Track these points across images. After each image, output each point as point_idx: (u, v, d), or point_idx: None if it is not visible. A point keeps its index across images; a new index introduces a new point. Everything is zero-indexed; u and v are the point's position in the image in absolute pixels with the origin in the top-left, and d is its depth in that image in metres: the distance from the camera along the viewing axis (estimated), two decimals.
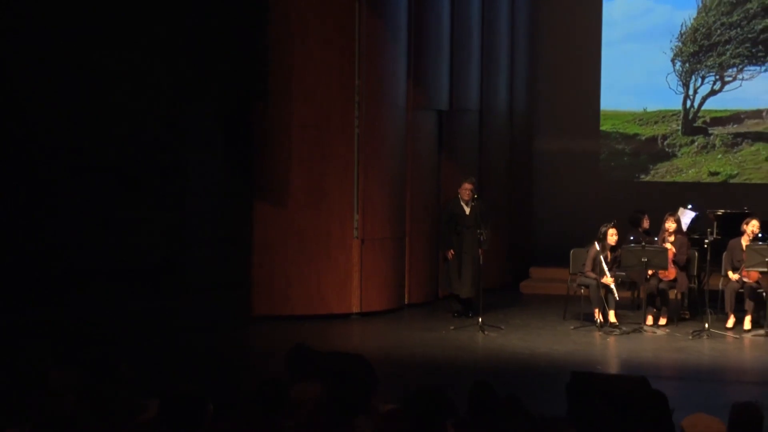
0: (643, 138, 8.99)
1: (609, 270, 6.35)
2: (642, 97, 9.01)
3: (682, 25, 8.83)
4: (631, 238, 6.67)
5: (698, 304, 6.69)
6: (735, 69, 8.69)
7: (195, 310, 6.12)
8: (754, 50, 8.64)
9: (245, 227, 6.68)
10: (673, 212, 6.80)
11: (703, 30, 8.76)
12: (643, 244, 6.39)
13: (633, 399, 2.85)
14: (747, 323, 6.28)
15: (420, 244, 7.37)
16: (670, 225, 6.54)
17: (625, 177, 8.98)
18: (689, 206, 7.33)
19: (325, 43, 6.66)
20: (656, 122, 8.99)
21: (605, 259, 6.37)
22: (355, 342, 6.23)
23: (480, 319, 6.29)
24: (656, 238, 6.68)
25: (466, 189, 6.71)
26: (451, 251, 6.73)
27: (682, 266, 6.58)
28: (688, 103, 8.87)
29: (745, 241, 6.35)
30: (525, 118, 8.73)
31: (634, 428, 2.73)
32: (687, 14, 8.82)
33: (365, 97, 6.82)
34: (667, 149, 8.94)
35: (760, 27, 8.62)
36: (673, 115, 8.93)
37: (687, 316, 6.74)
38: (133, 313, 5.61)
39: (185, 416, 2.42)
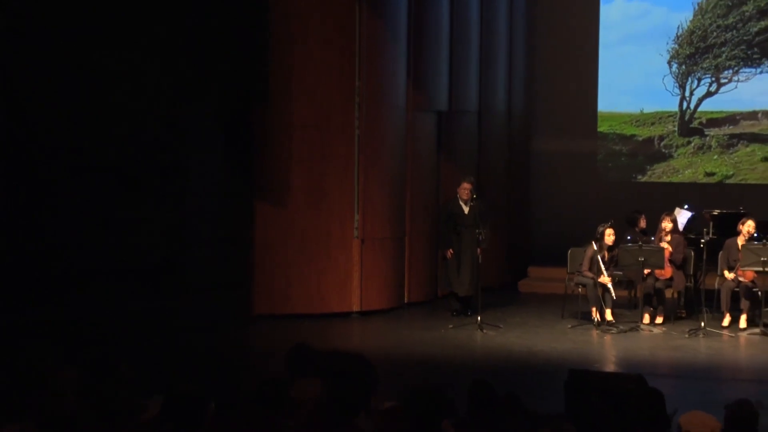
0: (640, 139, 9.00)
1: (606, 269, 6.36)
2: (639, 98, 9.02)
3: (678, 28, 8.85)
4: (628, 237, 6.68)
5: (694, 303, 6.70)
6: (731, 71, 8.70)
7: (195, 310, 6.11)
8: (749, 52, 8.65)
9: (245, 227, 6.67)
10: (670, 212, 6.81)
11: (700, 32, 8.77)
12: (640, 243, 6.40)
13: (630, 396, 2.86)
14: (743, 322, 6.29)
15: (420, 243, 7.37)
16: (667, 225, 6.55)
17: (622, 177, 8.99)
18: (685, 206, 7.34)
19: (325, 43, 6.66)
20: (653, 123, 9.00)
21: (602, 258, 6.38)
22: (355, 341, 6.23)
23: (479, 318, 6.29)
24: (653, 238, 6.69)
25: (465, 188, 6.71)
26: (450, 250, 6.73)
27: (679, 265, 6.59)
28: (685, 104, 8.88)
29: (740, 241, 6.36)
30: (523, 119, 8.73)
31: (631, 425, 2.73)
32: (683, 17, 8.84)
33: (365, 98, 6.82)
34: (663, 150, 8.95)
35: (755, 29, 8.63)
36: (669, 116, 8.95)
37: (683, 315, 6.75)
38: (133, 312, 5.60)
39: (186, 415, 2.42)
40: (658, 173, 8.94)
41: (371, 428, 2.60)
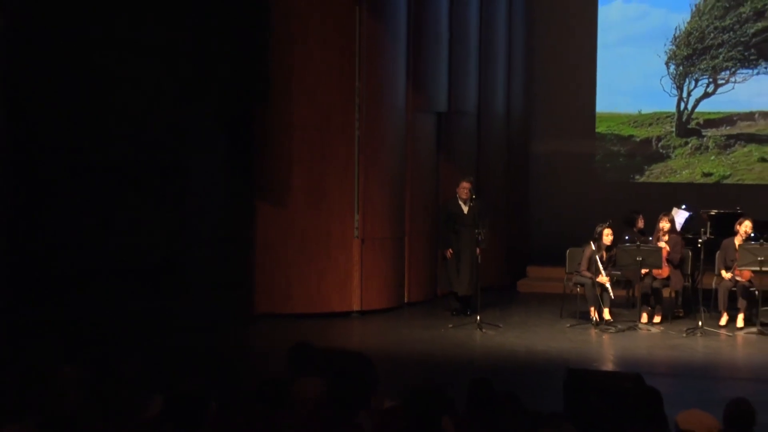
0: (638, 140, 9.01)
1: (604, 269, 6.36)
2: (637, 99, 9.03)
3: (676, 29, 8.86)
4: (626, 237, 6.69)
5: (692, 303, 6.70)
6: (728, 72, 8.71)
7: (196, 310, 6.10)
8: (746, 54, 8.67)
9: (246, 227, 6.66)
10: (667, 212, 6.82)
11: (697, 34, 8.79)
12: (638, 243, 6.41)
13: (628, 395, 2.86)
14: (740, 321, 6.30)
15: (419, 243, 7.37)
16: (665, 225, 6.56)
17: (620, 178, 9.00)
18: (683, 206, 7.35)
19: (325, 44, 6.67)
20: (651, 124, 9.01)
21: (601, 258, 6.38)
22: (355, 340, 6.23)
23: (478, 317, 6.30)
24: (651, 238, 6.70)
25: (464, 188, 6.72)
26: (450, 250, 6.73)
27: (676, 265, 6.60)
28: (682, 105, 8.90)
29: (738, 241, 6.37)
30: (522, 120, 8.74)
31: (628, 424, 2.73)
32: (681, 18, 8.85)
33: (365, 99, 6.83)
34: (661, 151, 8.96)
35: (752, 31, 8.64)
36: (667, 117, 8.96)
37: (681, 314, 6.76)
38: (134, 312, 5.59)
39: (188, 414, 2.42)
40: (656, 173, 8.95)
41: (371, 427, 2.60)
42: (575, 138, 8.91)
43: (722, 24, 8.70)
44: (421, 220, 7.38)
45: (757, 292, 6.22)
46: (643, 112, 9.03)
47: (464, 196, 6.72)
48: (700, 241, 6.34)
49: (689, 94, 8.85)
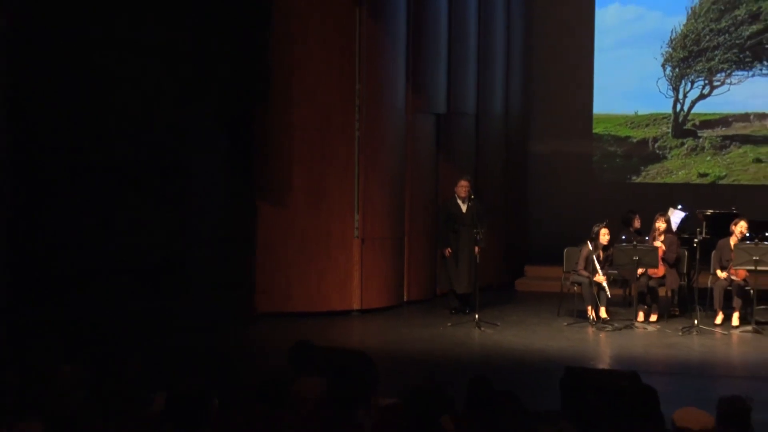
0: (635, 140, 9.02)
1: (601, 268, 6.37)
2: (633, 100, 9.04)
3: (672, 32, 8.87)
4: (623, 237, 6.70)
5: (688, 302, 6.71)
6: (723, 74, 8.72)
7: (198, 309, 6.10)
8: (741, 56, 8.67)
9: (247, 227, 6.65)
10: (663, 212, 6.82)
11: (693, 36, 8.80)
12: (635, 243, 6.42)
13: (624, 393, 2.86)
14: (735, 320, 6.30)
15: (419, 243, 7.38)
16: (661, 225, 6.57)
17: (617, 178, 9.01)
18: (679, 206, 7.35)
19: (325, 44, 6.66)
20: (647, 125, 9.02)
21: (598, 257, 6.39)
22: (355, 338, 6.23)
23: (476, 316, 6.30)
24: (647, 238, 6.70)
25: (462, 186, 6.72)
26: (449, 249, 6.74)
27: (672, 264, 6.60)
28: (678, 106, 8.90)
29: (733, 241, 6.37)
30: (520, 121, 8.75)
31: (625, 422, 2.74)
32: (677, 21, 8.86)
33: (365, 100, 6.83)
34: (657, 151, 8.97)
35: (747, 33, 8.65)
36: (663, 118, 8.96)
37: (677, 313, 6.76)
38: (136, 312, 5.59)
39: (191, 411, 2.42)
40: (653, 174, 8.96)
41: (371, 424, 2.61)
42: (573, 139, 8.92)
43: (718, 26, 8.71)
44: (420, 220, 7.38)
45: (752, 291, 6.22)
46: (639, 113, 9.04)
47: (463, 195, 6.72)
48: (696, 240, 6.35)
49: (685, 96, 8.86)
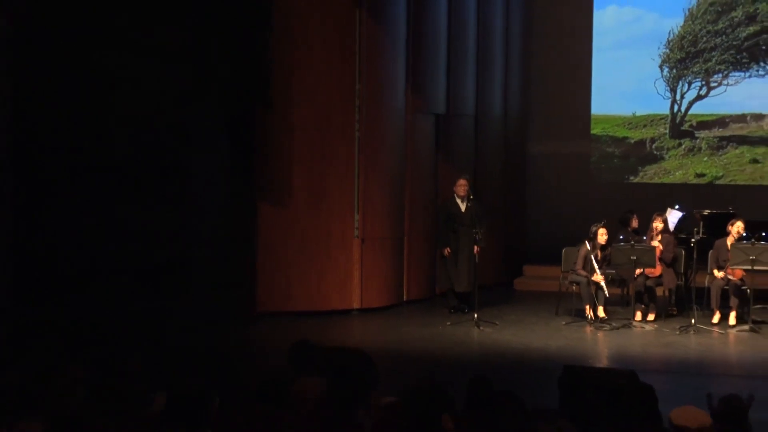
0: (633, 141, 9.02)
1: (599, 268, 6.37)
2: (631, 101, 9.04)
3: (669, 33, 8.86)
4: (621, 237, 6.69)
5: (685, 301, 6.71)
6: (720, 75, 8.72)
7: (199, 309, 6.10)
8: (738, 57, 8.67)
9: (247, 227, 6.65)
10: (661, 212, 6.82)
11: (690, 37, 8.79)
12: (632, 243, 6.41)
13: (622, 392, 2.86)
14: (732, 319, 6.30)
15: (418, 243, 7.37)
16: (658, 225, 6.57)
17: (615, 179, 9.00)
18: (677, 206, 7.35)
19: (325, 45, 6.66)
20: (645, 126, 9.01)
21: (596, 257, 6.39)
22: (355, 337, 6.22)
23: (476, 315, 6.30)
24: (645, 237, 6.70)
25: (461, 185, 6.72)
26: (447, 249, 6.73)
27: (669, 264, 6.60)
28: (676, 107, 8.90)
29: (730, 241, 6.37)
30: (519, 122, 8.74)
31: (623, 420, 2.73)
32: (674, 22, 8.85)
33: (365, 100, 6.82)
34: (655, 152, 8.96)
35: (744, 35, 8.65)
36: (661, 119, 8.96)
37: (674, 312, 6.76)
38: (138, 311, 5.58)
39: (191, 411, 2.42)
40: (650, 174, 8.96)
41: (371, 424, 2.60)
42: (571, 139, 8.91)
43: (715, 28, 8.71)
44: (420, 220, 7.37)
45: (748, 291, 6.22)
46: (637, 114, 9.03)
47: (462, 193, 6.72)
48: (693, 240, 6.35)
49: (682, 97, 8.86)
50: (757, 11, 8.63)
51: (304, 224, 6.69)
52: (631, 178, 9.00)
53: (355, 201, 6.83)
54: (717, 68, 8.71)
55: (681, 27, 8.82)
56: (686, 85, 8.84)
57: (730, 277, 6.33)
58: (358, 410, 2.60)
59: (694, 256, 6.34)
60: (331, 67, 6.68)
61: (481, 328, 6.21)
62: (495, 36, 8.28)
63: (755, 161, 8.71)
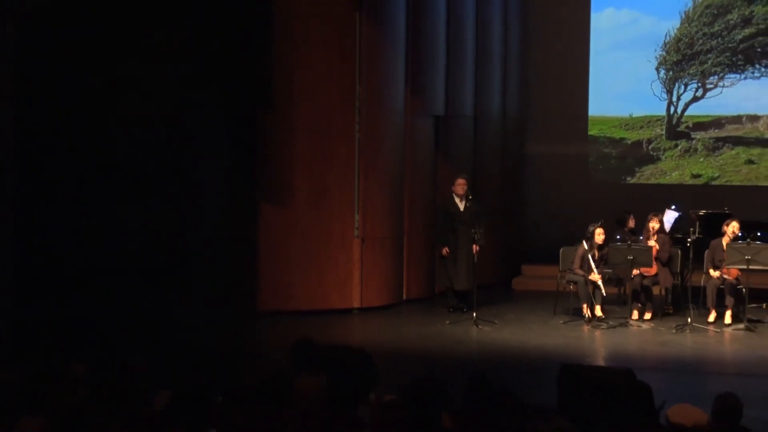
0: (629, 142, 9.02)
1: (596, 267, 6.37)
2: (628, 103, 9.04)
3: (666, 35, 8.86)
4: (618, 237, 6.69)
5: (681, 300, 6.71)
6: (716, 77, 8.72)
7: (201, 308, 6.10)
8: (734, 59, 8.67)
9: (249, 227, 6.64)
10: (657, 212, 6.82)
11: (686, 40, 8.79)
12: (629, 242, 6.41)
13: (619, 390, 2.86)
14: (727, 318, 6.30)
15: (418, 242, 7.37)
16: (654, 224, 6.57)
17: (612, 179, 9.00)
18: (673, 207, 7.35)
19: (326, 47, 6.66)
20: (642, 127, 9.01)
21: (593, 257, 6.39)
22: (355, 336, 6.23)
23: (474, 314, 6.30)
24: (641, 237, 6.70)
25: (459, 184, 6.71)
26: (446, 249, 6.73)
27: (664, 263, 6.60)
28: (672, 109, 8.90)
29: (725, 241, 6.37)
30: (517, 123, 8.74)
31: (620, 417, 2.73)
32: (671, 25, 8.85)
33: (365, 102, 6.82)
34: (651, 153, 8.96)
35: (740, 37, 8.65)
36: (657, 120, 8.96)
37: (671, 311, 6.76)
38: (140, 310, 5.58)
39: (194, 408, 2.41)
40: (647, 175, 8.96)
41: (370, 421, 2.60)
42: (569, 140, 8.92)
43: (711, 30, 8.71)
44: (419, 220, 7.37)
45: (744, 290, 6.22)
46: (634, 115, 9.03)
47: (460, 193, 6.72)
48: (689, 240, 6.35)
49: (679, 98, 8.86)
50: (753, 14, 8.63)
51: (305, 224, 6.69)
52: (628, 178, 9.00)
53: (355, 201, 6.83)
54: (713, 70, 8.71)
55: (677, 29, 8.82)
56: (682, 87, 8.84)
57: (725, 276, 6.33)
58: (358, 408, 2.59)
59: (691, 255, 6.34)
60: (332, 67, 6.68)
61: (480, 326, 6.21)
62: (493, 38, 8.28)
63: (750, 162, 8.71)
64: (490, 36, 8.22)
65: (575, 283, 6.50)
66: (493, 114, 8.31)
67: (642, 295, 6.54)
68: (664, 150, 8.92)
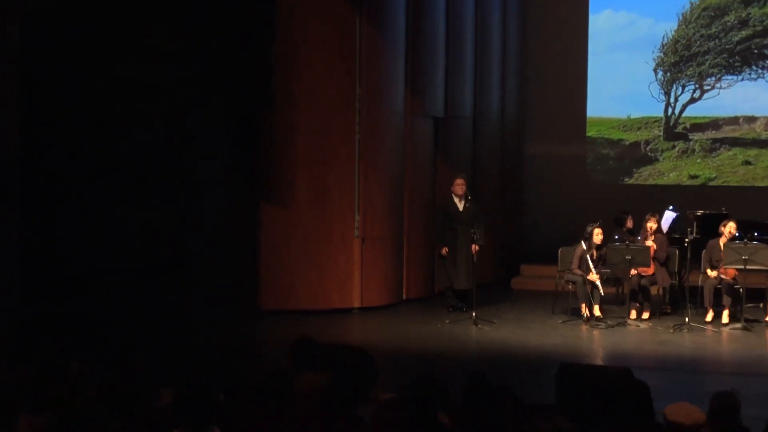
0: (627, 143, 9.03)
1: (595, 267, 6.37)
2: (626, 104, 9.05)
3: (663, 37, 8.87)
4: (616, 237, 6.70)
5: (679, 300, 6.71)
6: (713, 78, 8.73)
7: (203, 307, 6.10)
8: (731, 60, 8.68)
9: (251, 227, 6.65)
10: (654, 213, 6.83)
11: (684, 41, 8.80)
12: (627, 242, 6.42)
13: (617, 389, 2.87)
14: (725, 317, 6.31)
15: (417, 242, 7.38)
16: (652, 225, 6.58)
17: (610, 180, 9.01)
18: (670, 207, 7.36)
19: (326, 48, 6.66)
20: (639, 128, 9.02)
21: (591, 257, 6.40)
22: (356, 335, 6.23)
23: (474, 314, 6.31)
24: (639, 237, 6.71)
25: (458, 184, 6.72)
26: (445, 249, 6.74)
27: (662, 263, 6.61)
28: (670, 110, 8.91)
29: (722, 241, 6.38)
30: (516, 124, 8.75)
31: (618, 416, 2.74)
32: (668, 26, 8.86)
33: (365, 104, 6.83)
34: (649, 154, 8.97)
35: (736, 39, 8.66)
36: (655, 121, 8.97)
37: (668, 311, 6.77)
38: (144, 309, 5.59)
39: (197, 406, 2.42)
40: (645, 176, 8.97)
41: (371, 417, 2.60)
42: (567, 141, 8.93)
43: (708, 32, 8.72)
44: (419, 220, 7.38)
45: (741, 290, 6.23)
46: (631, 116, 9.04)
47: (459, 192, 6.72)
48: (686, 240, 6.36)
49: (676, 100, 8.87)
50: (750, 16, 8.64)
51: (306, 224, 6.69)
52: (626, 179, 9.00)
53: (355, 201, 6.83)
54: (710, 72, 8.72)
55: (675, 31, 8.83)
56: (680, 88, 8.85)
57: (722, 276, 6.34)
58: (358, 406, 2.60)
59: (688, 255, 6.34)
60: (332, 67, 6.69)
61: (479, 326, 6.22)
62: (492, 40, 8.29)
63: (747, 163, 8.72)
64: (489, 38, 8.23)
65: (574, 282, 6.51)
66: (492, 115, 8.32)
67: (640, 295, 6.55)
68: (662, 151, 8.93)
